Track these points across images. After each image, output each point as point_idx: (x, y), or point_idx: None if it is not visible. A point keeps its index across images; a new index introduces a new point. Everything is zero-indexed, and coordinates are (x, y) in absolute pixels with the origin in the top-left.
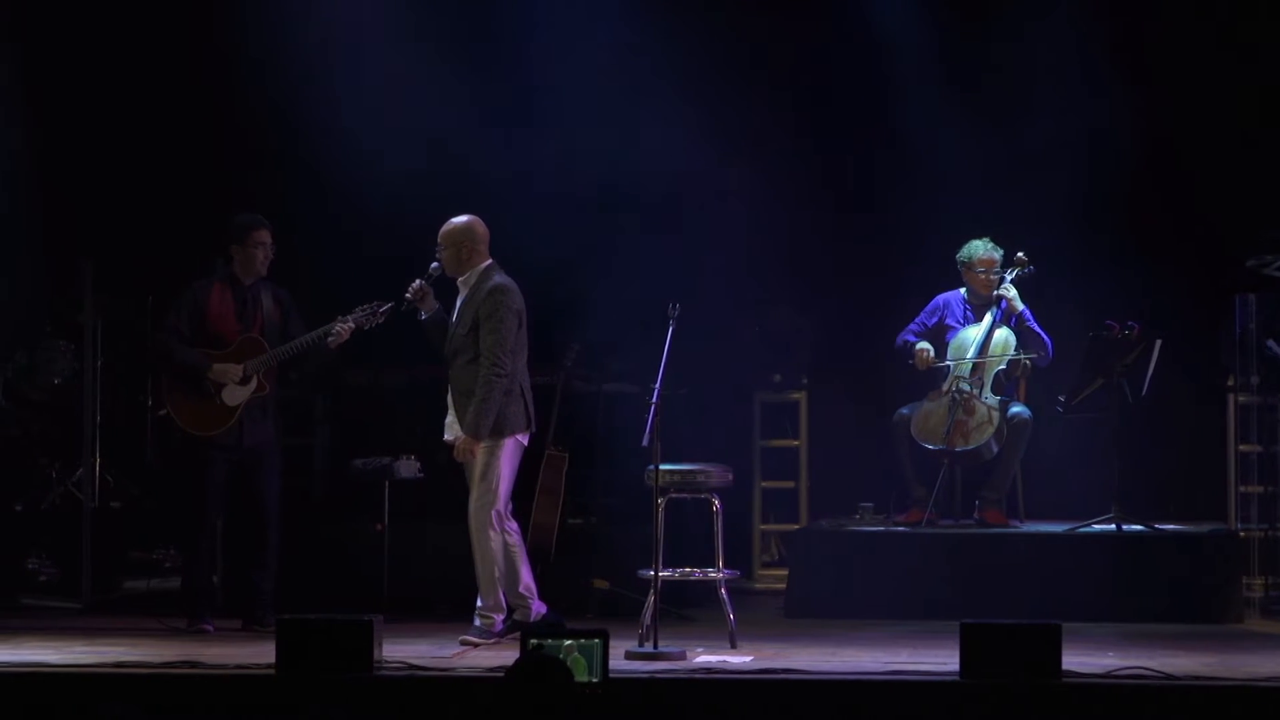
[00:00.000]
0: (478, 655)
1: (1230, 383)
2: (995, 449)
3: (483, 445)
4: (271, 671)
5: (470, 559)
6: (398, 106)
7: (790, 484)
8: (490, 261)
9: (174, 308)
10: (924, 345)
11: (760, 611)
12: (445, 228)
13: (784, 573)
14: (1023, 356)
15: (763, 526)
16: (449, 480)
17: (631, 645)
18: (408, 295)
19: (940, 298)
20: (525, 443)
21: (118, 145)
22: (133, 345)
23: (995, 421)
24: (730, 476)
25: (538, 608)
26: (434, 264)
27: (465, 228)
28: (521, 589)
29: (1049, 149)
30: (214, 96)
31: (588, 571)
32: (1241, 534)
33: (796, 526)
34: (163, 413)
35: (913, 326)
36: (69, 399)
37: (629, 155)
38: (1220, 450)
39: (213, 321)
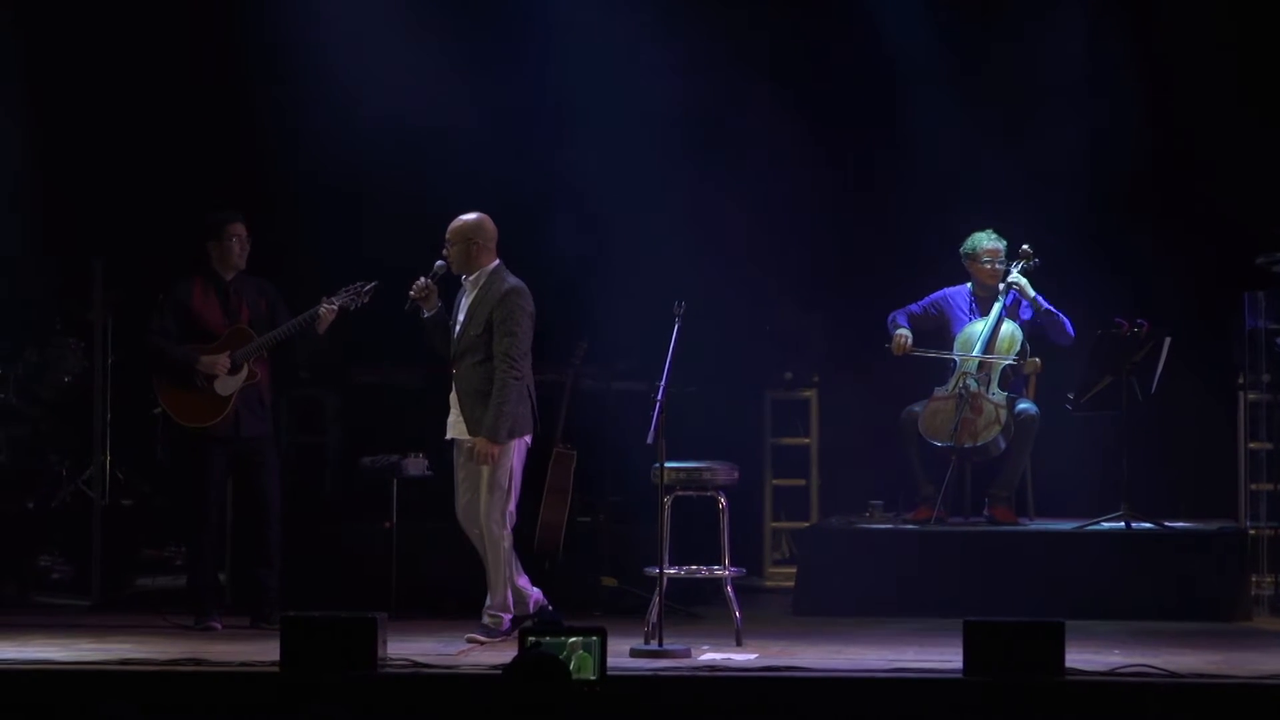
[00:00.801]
0: (483, 653)
1: (1240, 380)
2: (1003, 445)
3: (497, 446)
4: (276, 669)
5: (476, 557)
6: (405, 105)
7: (801, 482)
8: (499, 262)
9: (157, 309)
10: (904, 331)
11: (769, 609)
12: (454, 224)
13: (794, 570)
14: (1013, 360)
15: (773, 524)
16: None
17: (638, 643)
18: (412, 294)
19: (945, 291)
20: (529, 442)
21: (127, 143)
22: (136, 349)
23: (1002, 418)
24: (736, 474)
25: (537, 596)
26: (439, 262)
27: (475, 225)
28: (521, 583)
29: (1057, 145)
30: (223, 94)
31: (596, 569)
32: (1252, 532)
33: (807, 524)
34: (158, 410)
35: (912, 308)
36: (79, 397)
37: (633, 154)
38: (1230, 448)
39: (198, 318)
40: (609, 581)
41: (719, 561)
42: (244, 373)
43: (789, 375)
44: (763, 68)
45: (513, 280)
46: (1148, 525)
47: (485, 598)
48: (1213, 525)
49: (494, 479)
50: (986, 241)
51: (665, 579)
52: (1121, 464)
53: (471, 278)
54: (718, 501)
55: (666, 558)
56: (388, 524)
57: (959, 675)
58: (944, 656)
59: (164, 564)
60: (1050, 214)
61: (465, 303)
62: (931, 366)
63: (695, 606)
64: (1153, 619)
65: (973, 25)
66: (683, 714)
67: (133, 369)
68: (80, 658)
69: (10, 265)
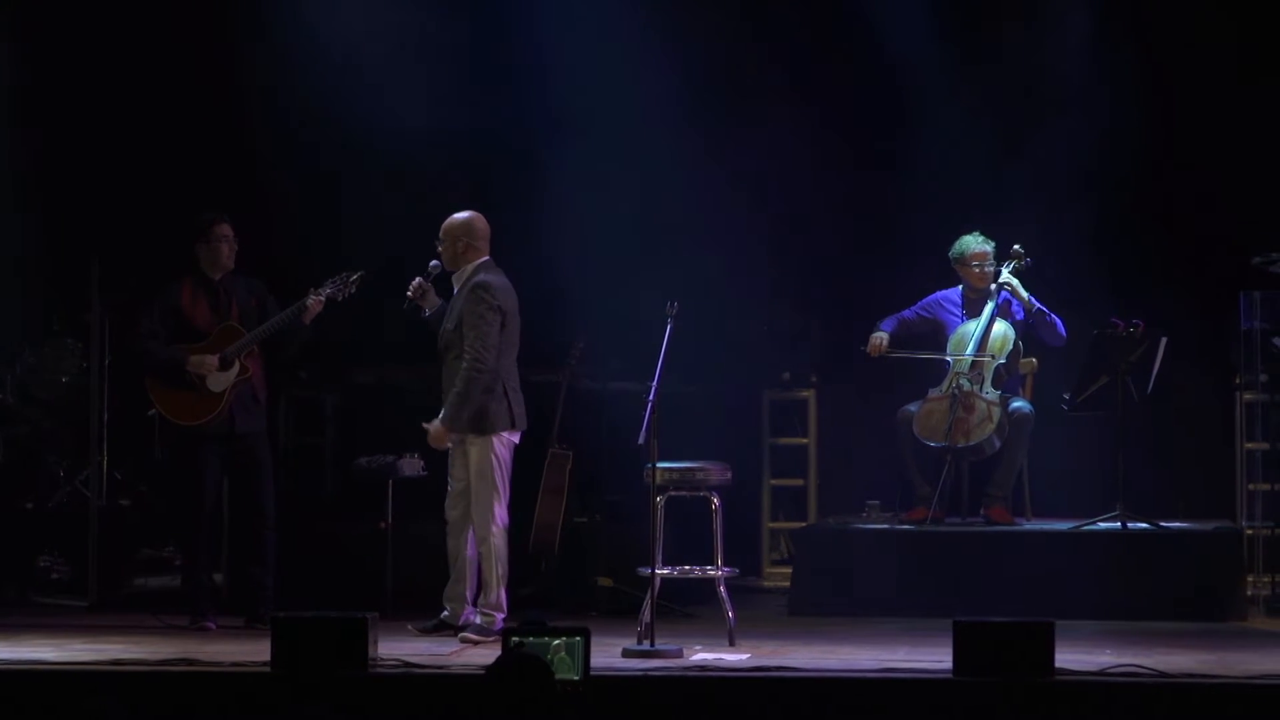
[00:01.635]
0: (474, 653)
1: (1238, 380)
2: (997, 444)
3: (474, 445)
4: (267, 669)
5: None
6: (403, 106)
7: (799, 482)
8: (486, 259)
9: (145, 312)
10: (880, 334)
11: (766, 609)
12: (445, 223)
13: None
14: (1003, 359)
15: (771, 524)
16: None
17: (632, 643)
18: (409, 294)
19: (937, 294)
20: (515, 440)
21: (125, 144)
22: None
23: (996, 417)
24: (729, 474)
25: (468, 614)
26: (434, 262)
27: (463, 223)
28: (469, 592)
29: (1055, 146)
30: (219, 96)
31: (592, 569)
32: (1249, 531)
33: (804, 524)
34: (151, 412)
35: (904, 313)
36: (77, 397)
37: (631, 152)
38: (1228, 448)
39: (188, 319)
40: (605, 582)
41: (711, 562)
42: (236, 369)
43: (787, 375)
44: (763, 69)
45: (484, 275)
46: (1143, 525)
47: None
48: (1208, 525)
49: (479, 476)
50: (974, 245)
51: (658, 579)
52: (1118, 464)
53: (457, 275)
54: (711, 501)
55: (660, 558)
56: (383, 524)
57: (948, 675)
58: (935, 657)
59: (162, 564)
60: (1047, 214)
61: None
62: (928, 369)
63: (691, 606)
64: (1148, 619)
65: (972, 28)
66: (672, 714)
67: (129, 370)
68: (72, 658)
69: (8, 266)
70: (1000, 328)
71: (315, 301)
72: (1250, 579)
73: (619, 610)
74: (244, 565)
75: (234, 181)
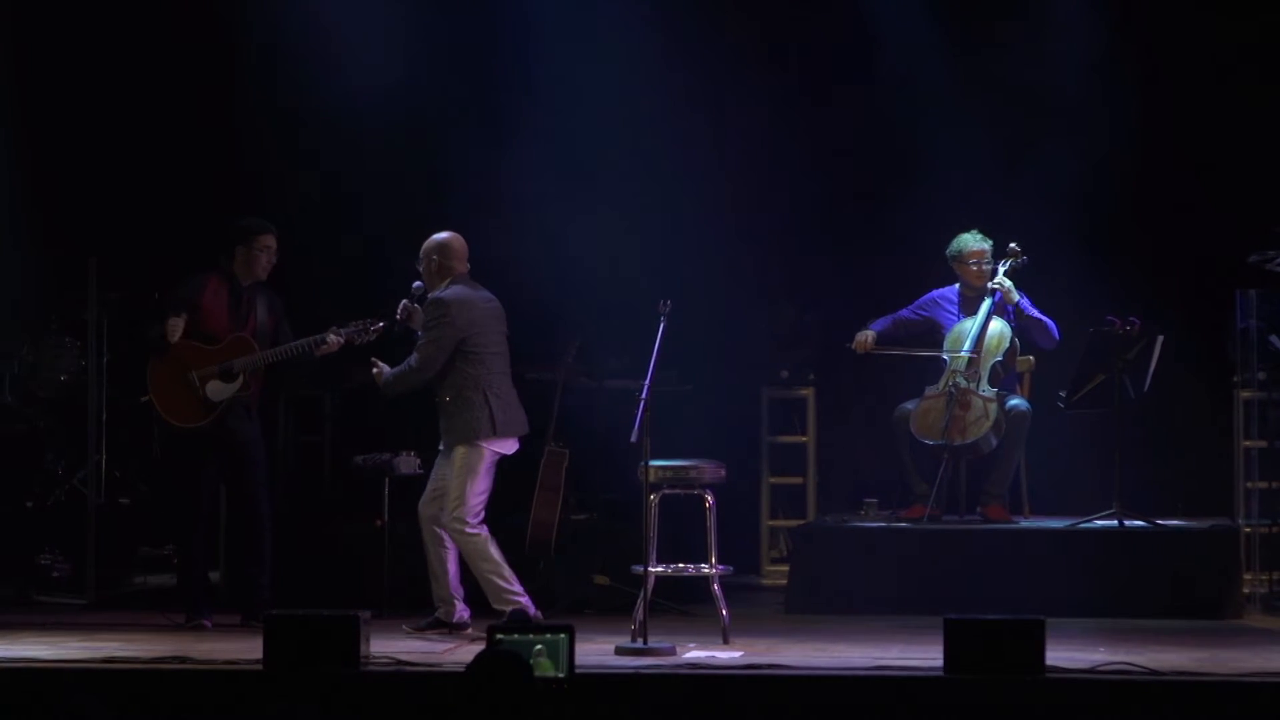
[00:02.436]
0: (467, 651)
1: (1236, 378)
2: (994, 442)
3: (457, 450)
4: (259, 667)
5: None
6: (399, 103)
7: (798, 480)
8: (459, 276)
9: (171, 301)
10: (868, 331)
11: (763, 607)
12: (424, 244)
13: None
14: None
15: (771, 522)
16: None
17: (626, 641)
18: (398, 316)
19: (934, 293)
20: (502, 449)
21: (122, 141)
22: (137, 341)
23: (993, 415)
24: (723, 472)
25: (461, 612)
26: (416, 283)
27: (437, 244)
28: (453, 589)
29: (1051, 143)
30: (218, 93)
31: (589, 568)
32: (1247, 529)
33: (802, 522)
34: (145, 399)
35: (902, 313)
36: (75, 396)
37: (633, 151)
38: (1226, 446)
39: (205, 316)
40: (601, 580)
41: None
42: (239, 383)
43: (785, 373)
44: (761, 67)
45: (440, 291)
46: (1140, 523)
47: (477, 595)
48: (1205, 523)
49: (454, 478)
50: (972, 243)
51: (652, 577)
52: (1115, 462)
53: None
54: (704, 500)
55: (654, 556)
56: (379, 522)
57: (939, 673)
58: (928, 655)
59: (161, 562)
60: (1044, 213)
61: None
62: (925, 367)
63: (689, 605)
64: (1145, 617)
65: (968, 27)
66: (663, 712)
67: (128, 368)
68: (66, 656)
69: (6, 264)
70: (997, 326)
71: (334, 340)
72: (1248, 577)
73: (615, 608)
74: (240, 563)
75: (233, 180)
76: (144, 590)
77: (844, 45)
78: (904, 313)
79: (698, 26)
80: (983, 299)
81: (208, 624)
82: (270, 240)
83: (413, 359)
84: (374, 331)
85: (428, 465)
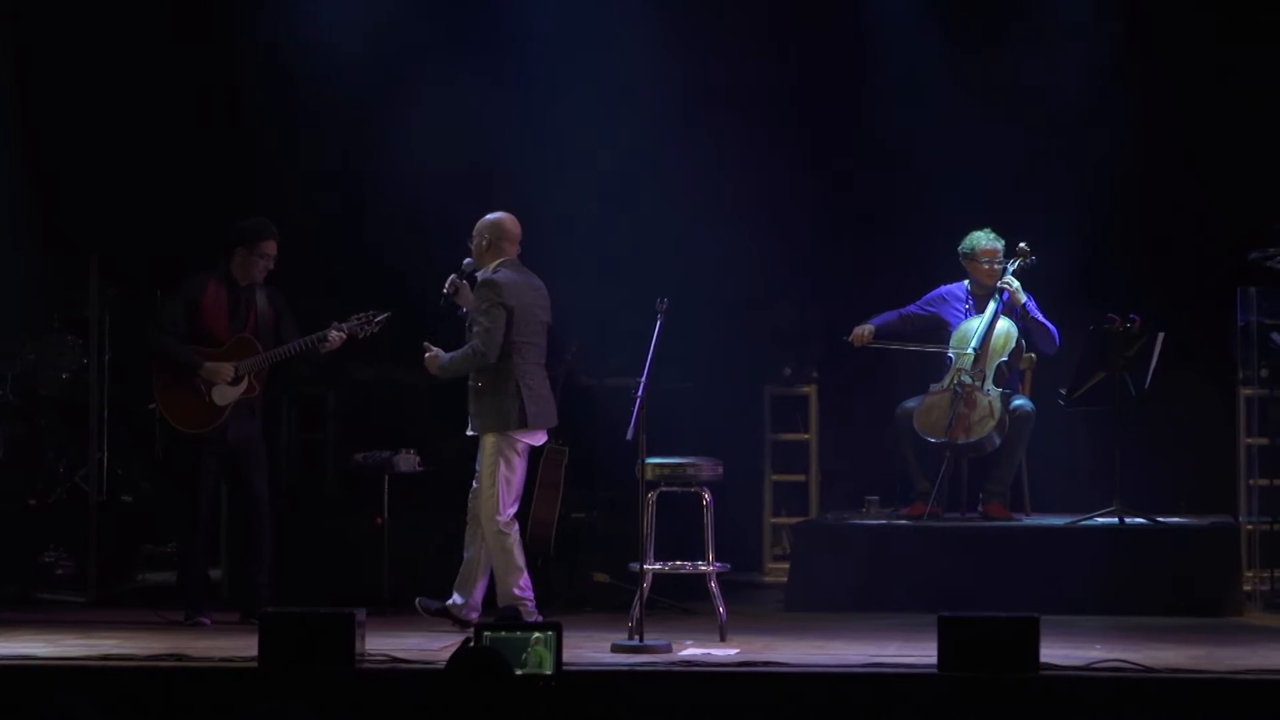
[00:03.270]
0: None
1: (1240, 376)
2: (997, 441)
3: (486, 440)
4: (255, 664)
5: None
6: (400, 101)
7: (801, 477)
8: (509, 258)
9: (169, 303)
10: (867, 326)
11: (765, 605)
12: (478, 222)
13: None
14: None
15: (773, 520)
16: (449, 474)
17: (623, 638)
18: (444, 290)
19: (942, 289)
20: (530, 441)
21: (124, 140)
22: (139, 339)
23: (997, 414)
24: (720, 469)
25: (471, 610)
26: (467, 260)
27: (490, 222)
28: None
29: (1053, 141)
30: (220, 92)
31: (588, 565)
32: (1248, 527)
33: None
34: (152, 406)
35: (909, 308)
36: (77, 393)
37: (634, 151)
38: (1227, 443)
39: (206, 319)
40: (601, 577)
41: (716, 557)
42: (244, 385)
43: (788, 371)
44: (762, 66)
45: (489, 272)
46: (1141, 521)
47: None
48: (1205, 521)
49: (483, 472)
50: (985, 241)
51: (649, 575)
52: (1115, 459)
53: (480, 273)
54: (701, 497)
55: (651, 553)
56: (379, 520)
57: (934, 671)
58: (924, 652)
59: (164, 559)
60: (1047, 208)
61: None
62: (929, 364)
63: (690, 602)
64: (1146, 614)
65: (972, 27)
66: (657, 709)
67: (130, 365)
68: (63, 654)
69: (7, 262)
70: (1003, 325)
71: (337, 336)
72: (1249, 574)
73: (615, 606)
74: (240, 561)
75: (232, 178)
76: (145, 588)
77: (846, 44)
78: (911, 308)
79: (700, 24)
80: (990, 297)
81: (207, 622)
82: (272, 247)
83: (475, 343)
84: (377, 324)
85: (428, 463)
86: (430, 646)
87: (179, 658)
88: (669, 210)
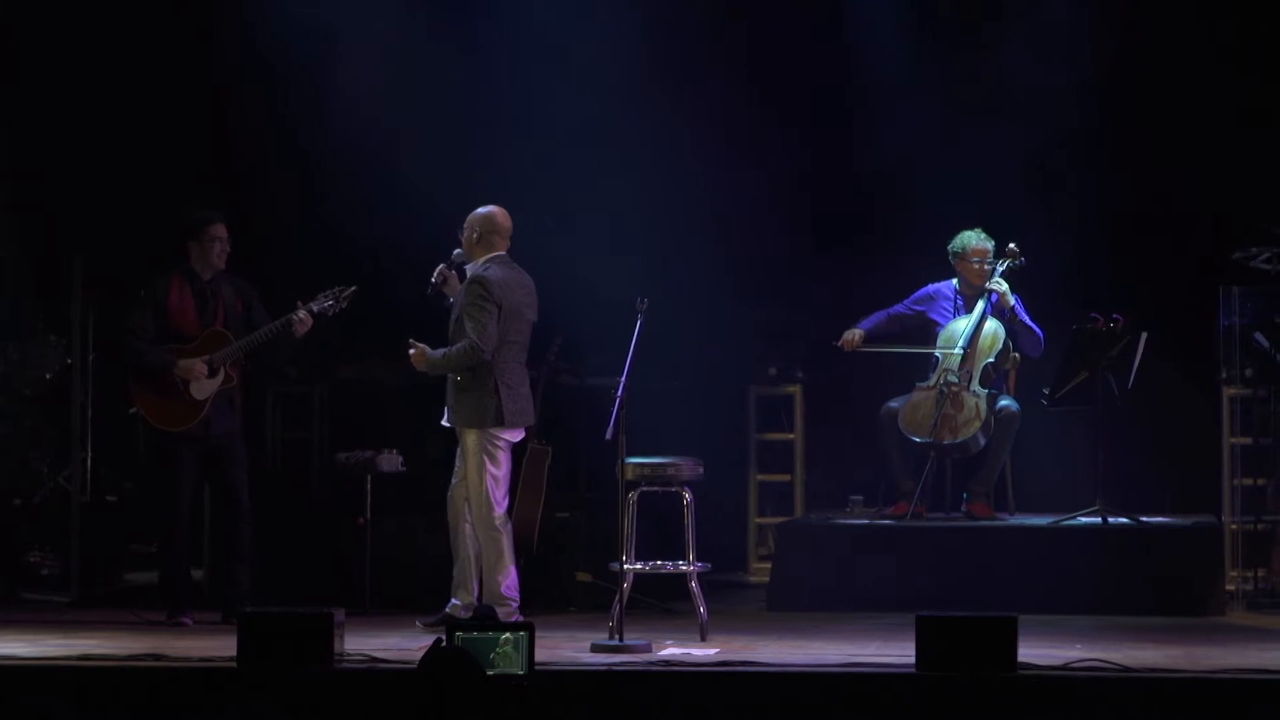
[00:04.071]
0: None
1: (1224, 375)
2: (983, 442)
3: (468, 437)
4: (233, 665)
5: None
6: (380, 101)
7: (786, 477)
8: (499, 254)
9: (136, 307)
10: (856, 330)
11: (749, 605)
12: (470, 214)
13: None
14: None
15: (758, 520)
16: (432, 474)
17: (603, 638)
18: (432, 280)
19: (930, 288)
20: (511, 438)
21: (107, 140)
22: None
23: (983, 414)
24: (701, 469)
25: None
26: (457, 250)
27: (481, 215)
28: (473, 581)
29: (1039, 142)
30: (204, 92)
31: (571, 565)
32: (1234, 526)
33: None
34: (133, 410)
35: (896, 308)
36: (60, 394)
37: (618, 148)
38: (1211, 443)
39: (173, 318)
40: (584, 577)
41: (701, 556)
42: (220, 376)
43: (773, 371)
44: (749, 65)
45: (480, 268)
46: (1124, 520)
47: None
48: (1188, 520)
49: (473, 470)
50: (975, 241)
51: (629, 574)
52: (1098, 459)
53: (469, 266)
54: (682, 497)
55: (632, 553)
56: (360, 520)
57: (911, 670)
58: (903, 652)
59: (149, 559)
60: (1032, 209)
61: None
62: (914, 364)
63: (673, 602)
64: (1129, 614)
65: (956, 21)
66: (635, 708)
67: (113, 366)
68: (42, 654)
69: None
70: (991, 326)
71: (305, 315)
72: (1232, 574)
73: (598, 605)
74: (221, 560)
75: (216, 177)
76: (132, 588)
77: (835, 45)
78: (898, 308)
79: (686, 28)
80: (979, 297)
81: (188, 621)
82: (220, 230)
83: (472, 340)
84: (345, 298)
85: (409, 464)
86: (409, 647)
87: (157, 658)
88: (652, 208)
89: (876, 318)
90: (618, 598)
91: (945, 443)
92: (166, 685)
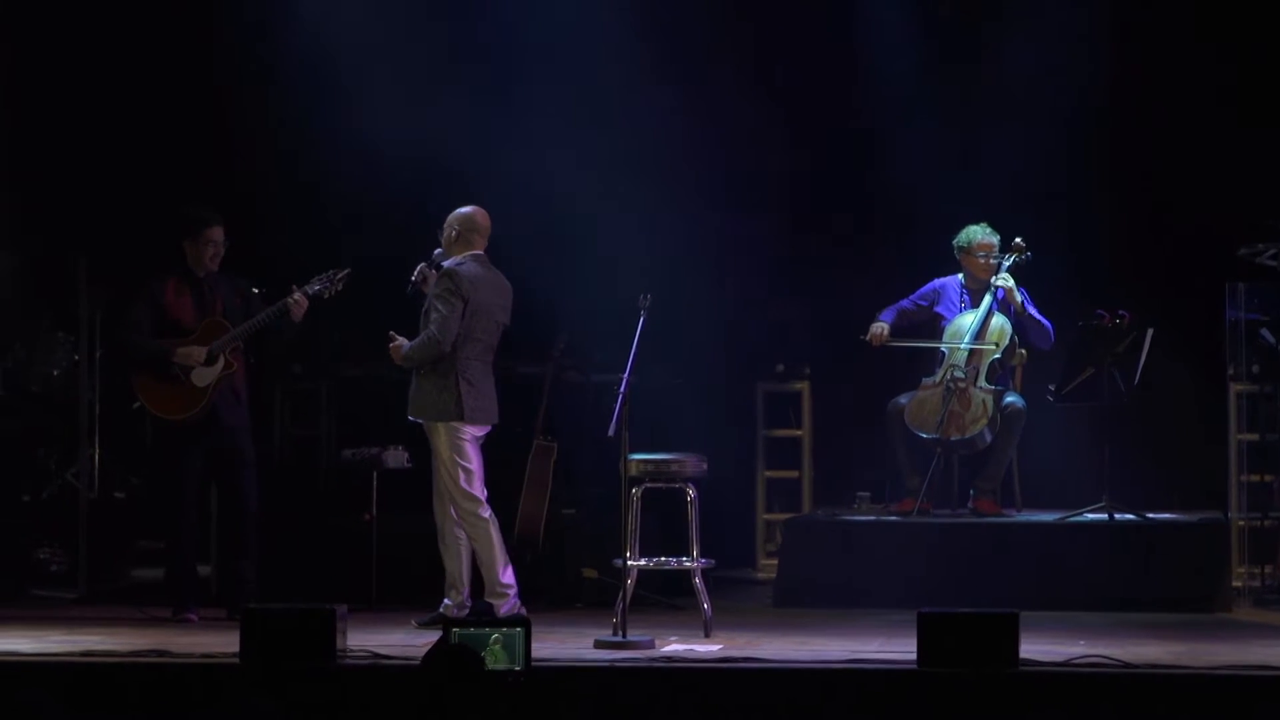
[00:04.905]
0: None
1: (1231, 372)
2: (989, 438)
3: (431, 432)
4: (236, 661)
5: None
6: (379, 102)
7: (794, 474)
8: (476, 252)
9: (132, 304)
10: (882, 324)
11: (755, 601)
12: (450, 214)
13: None
14: (999, 354)
15: (766, 516)
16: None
17: (607, 634)
18: (412, 279)
19: (936, 282)
20: (472, 432)
21: (112, 139)
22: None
23: (989, 411)
24: (705, 466)
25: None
26: (437, 249)
27: (461, 215)
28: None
29: (1044, 137)
30: (205, 90)
31: (577, 561)
32: (1241, 523)
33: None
34: (136, 405)
35: (903, 303)
36: (68, 390)
37: (626, 144)
38: (1219, 439)
39: (171, 313)
40: (589, 573)
41: (708, 553)
42: (220, 364)
43: (781, 367)
44: (751, 62)
45: (452, 263)
46: (1130, 517)
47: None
48: (1195, 516)
49: (440, 465)
50: (981, 235)
51: (633, 570)
52: (1104, 455)
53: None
54: (686, 493)
55: (636, 549)
56: (367, 516)
57: (913, 667)
58: (906, 649)
59: (157, 555)
60: (1038, 204)
61: None
62: (921, 359)
63: (680, 598)
64: (1135, 610)
65: (959, 20)
66: (637, 705)
67: (117, 361)
68: (47, 649)
69: None
70: (998, 321)
71: (300, 298)
72: (1239, 570)
73: (603, 601)
74: (227, 557)
75: (219, 176)
76: (141, 584)
77: (840, 42)
78: (905, 303)
79: (694, 25)
80: (985, 292)
81: (193, 617)
82: (217, 233)
83: (431, 330)
84: (340, 280)
85: (417, 459)
86: (413, 643)
87: (160, 654)
88: (660, 205)
89: (889, 312)
90: (621, 594)
91: (952, 439)
92: (168, 681)
